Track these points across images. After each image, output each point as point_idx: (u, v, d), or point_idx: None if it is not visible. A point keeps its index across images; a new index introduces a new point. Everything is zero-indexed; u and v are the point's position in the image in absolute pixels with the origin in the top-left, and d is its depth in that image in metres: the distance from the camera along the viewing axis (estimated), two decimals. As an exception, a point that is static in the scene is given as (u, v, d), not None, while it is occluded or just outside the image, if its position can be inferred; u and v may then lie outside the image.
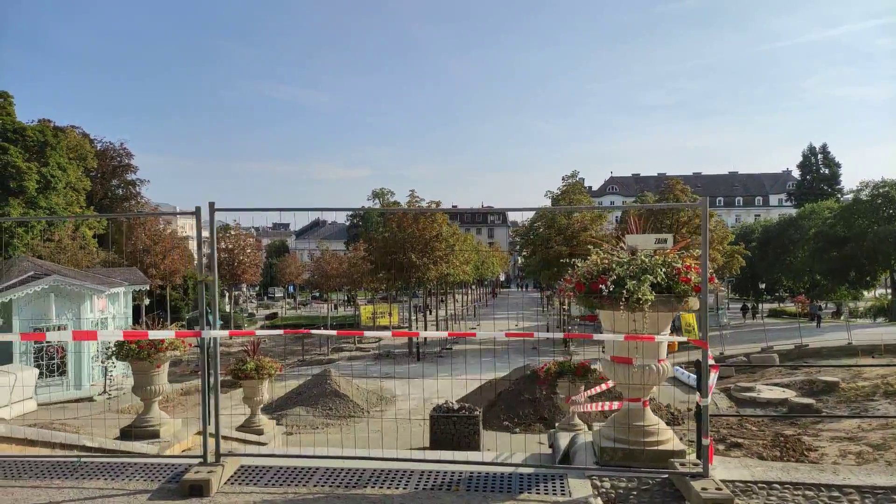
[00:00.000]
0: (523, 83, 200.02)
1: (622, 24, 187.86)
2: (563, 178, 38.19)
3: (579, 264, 5.42)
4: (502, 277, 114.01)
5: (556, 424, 14.38)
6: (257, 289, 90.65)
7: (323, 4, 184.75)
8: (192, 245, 51.79)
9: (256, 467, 5.22)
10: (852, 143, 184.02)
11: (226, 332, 4.90)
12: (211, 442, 5.03)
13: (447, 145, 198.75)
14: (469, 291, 75.09)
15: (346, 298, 74.78)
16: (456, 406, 16.49)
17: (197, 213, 4.96)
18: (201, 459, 5.06)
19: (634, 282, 4.79)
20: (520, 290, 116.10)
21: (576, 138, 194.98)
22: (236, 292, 68.67)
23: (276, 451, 4.92)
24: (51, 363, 22.20)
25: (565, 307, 47.24)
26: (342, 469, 5.16)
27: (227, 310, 61.80)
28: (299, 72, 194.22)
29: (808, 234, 46.15)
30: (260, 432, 14.19)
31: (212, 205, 4.98)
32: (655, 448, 5.02)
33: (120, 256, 37.41)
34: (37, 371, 20.30)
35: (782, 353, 31.18)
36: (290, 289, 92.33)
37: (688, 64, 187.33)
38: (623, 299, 4.72)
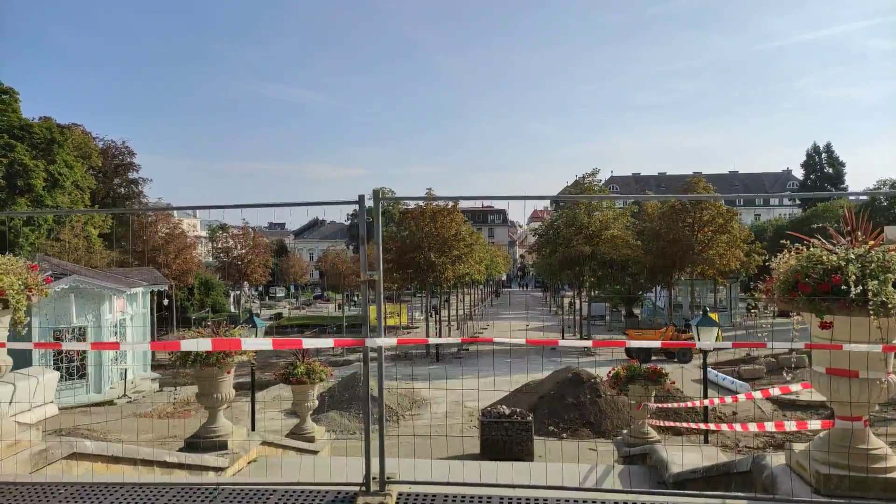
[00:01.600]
0: (517, 83, 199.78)
1: (614, 24, 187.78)
2: (583, 175, 37.78)
3: (792, 262, 4.70)
4: (503, 277, 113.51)
5: (624, 432, 13.73)
6: (258, 289, 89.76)
7: (317, 5, 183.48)
8: (201, 247, 50.94)
9: (418, 495, 4.53)
10: (846, 142, 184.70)
11: (393, 340, 4.21)
12: (375, 465, 4.34)
13: (442, 145, 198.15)
14: (474, 291, 74.44)
15: (353, 298, 73.78)
16: (507, 411, 15.80)
17: (360, 201, 4.27)
18: (360, 486, 4.36)
19: (876, 282, 4.11)
20: (521, 289, 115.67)
21: (572, 138, 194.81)
22: (237, 292, 67.75)
23: (449, 478, 4.22)
24: (70, 365, 21.37)
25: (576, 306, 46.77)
26: (520, 499, 4.48)
27: (232, 310, 60.93)
28: (293, 71, 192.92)
29: (825, 234, 45.60)
30: (311, 439, 13.49)
31: (377, 192, 4.30)
32: (890, 476, 4.35)
33: (129, 255, 36.54)
34: (57, 374, 19.49)
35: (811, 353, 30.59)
36: (292, 288, 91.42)
37: (680, 64, 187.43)
38: (869, 302, 4.04)
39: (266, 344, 3.97)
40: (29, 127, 36.86)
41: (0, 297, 4.83)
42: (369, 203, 4.32)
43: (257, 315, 16.30)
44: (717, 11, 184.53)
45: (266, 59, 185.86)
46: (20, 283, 5.01)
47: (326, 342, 4.14)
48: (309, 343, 4.17)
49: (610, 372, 13.15)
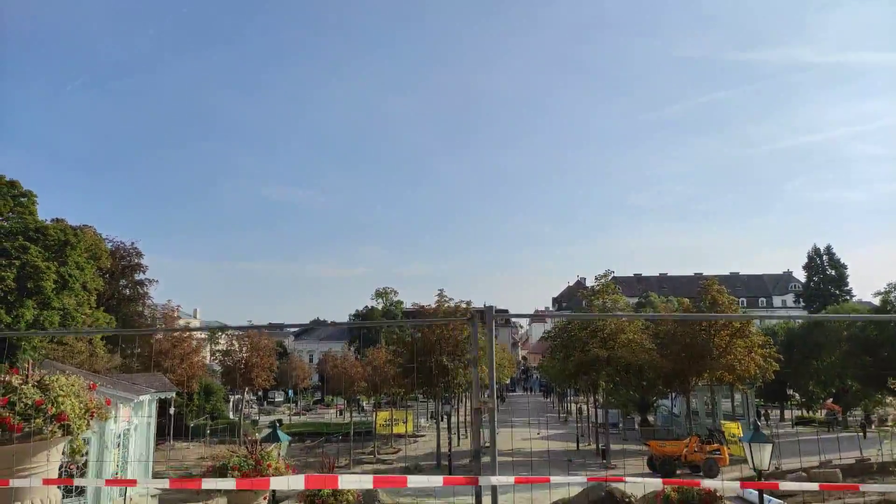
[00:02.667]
0: (514, 186, 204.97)
1: (606, 129, 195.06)
2: (595, 278, 37.85)
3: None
4: (507, 381, 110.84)
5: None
6: (257, 394, 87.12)
7: (318, 111, 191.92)
8: (206, 351, 49.94)
9: None
10: (844, 243, 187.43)
11: (510, 479, 3.72)
12: None
13: (444, 245, 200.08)
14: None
15: (357, 404, 71.55)
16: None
17: (473, 319, 3.94)
18: None
19: None
20: (525, 392, 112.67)
21: (571, 238, 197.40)
22: (237, 397, 65.75)
23: None
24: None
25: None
26: None
27: (231, 417, 58.75)
28: (295, 173, 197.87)
29: (840, 336, 45.20)
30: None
31: (490, 309, 3.97)
32: None
33: (134, 360, 35.68)
34: (60, 492, 18.26)
35: (843, 467, 29.20)
36: (290, 393, 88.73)
37: (671, 168, 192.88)
38: None
39: (367, 482, 3.49)
40: (44, 229, 37.21)
41: (60, 423, 4.37)
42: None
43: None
44: (705, 118, 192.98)
45: (268, 161, 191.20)
46: (81, 405, 4.56)
47: (435, 480, 3.66)
48: (415, 481, 3.68)
49: (659, 494, 12.28)
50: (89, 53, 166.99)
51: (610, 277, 37.75)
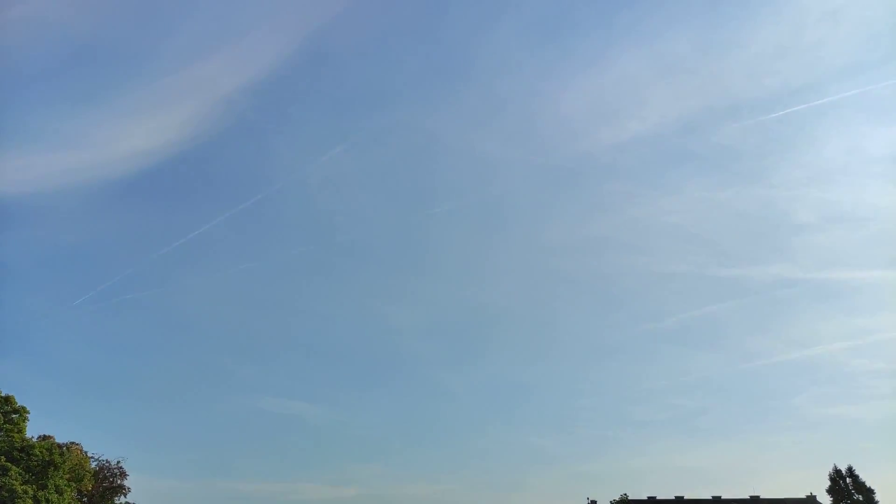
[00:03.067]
0: (515, 400, 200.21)
1: (604, 341, 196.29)
2: (611, 503, 35.27)
3: None
4: None
5: None
6: None
7: (317, 322, 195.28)
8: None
9: None
10: (864, 463, 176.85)
11: None
12: None
13: (442, 463, 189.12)
14: None
15: None
16: None
17: None
18: None
19: None
20: None
21: (577, 456, 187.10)
22: None
23: None
24: None
25: None
26: None
27: None
28: (292, 385, 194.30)
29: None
30: None
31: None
32: None
33: None
34: None
35: None
36: None
37: (672, 380, 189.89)
38: None
39: None
40: (30, 448, 35.65)
41: None
42: None
43: None
44: (701, 331, 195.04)
45: (266, 375, 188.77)
46: None
47: None
48: None
49: None
50: (100, 269, 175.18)
51: (625, 502, 35.20)
